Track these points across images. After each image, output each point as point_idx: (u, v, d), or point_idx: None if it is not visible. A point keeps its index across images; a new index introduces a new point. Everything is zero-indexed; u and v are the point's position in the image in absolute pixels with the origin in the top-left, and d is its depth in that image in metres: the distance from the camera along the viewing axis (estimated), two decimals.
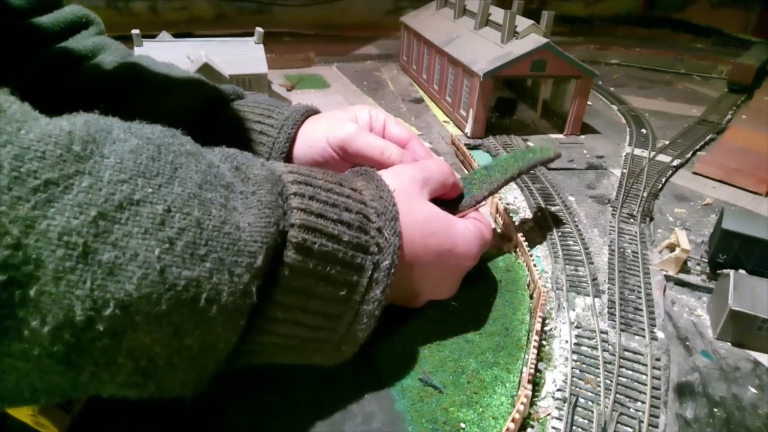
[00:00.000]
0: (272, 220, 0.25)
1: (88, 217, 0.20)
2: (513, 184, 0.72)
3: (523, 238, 0.52)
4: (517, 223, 0.58)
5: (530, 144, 0.85)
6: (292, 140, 0.44)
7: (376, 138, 0.43)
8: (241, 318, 0.25)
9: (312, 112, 0.47)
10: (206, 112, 0.46)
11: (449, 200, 0.43)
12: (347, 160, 0.44)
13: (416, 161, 0.43)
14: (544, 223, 0.62)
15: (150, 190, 0.22)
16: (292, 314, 0.28)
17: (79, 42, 0.46)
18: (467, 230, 0.39)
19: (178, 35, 0.98)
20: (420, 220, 0.35)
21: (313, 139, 0.44)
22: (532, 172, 0.75)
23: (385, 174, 0.36)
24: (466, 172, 0.74)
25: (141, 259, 0.21)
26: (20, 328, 0.19)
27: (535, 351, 0.39)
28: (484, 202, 0.45)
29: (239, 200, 0.26)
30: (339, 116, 0.46)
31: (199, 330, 0.23)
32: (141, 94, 0.44)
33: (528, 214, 0.65)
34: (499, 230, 0.59)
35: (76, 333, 0.20)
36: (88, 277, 0.20)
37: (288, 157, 0.44)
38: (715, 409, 0.39)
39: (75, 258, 0.20)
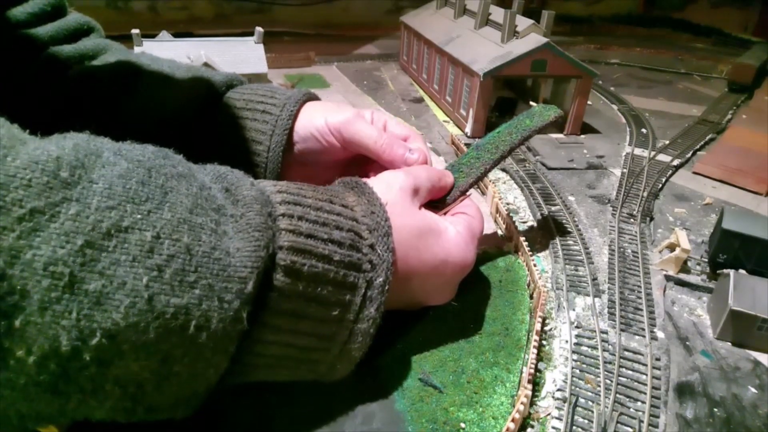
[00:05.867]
0: (262, 244, 0.25)
1: (75, 246, 0.20)
2: (513, 184, 0.72)
3: (523, 238, 0.52)
4: (517, 223, 0.58)
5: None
6: (293, 120, 0.44)
7: (372, 127, 0.43)
8: (231, 344, 0.25)
9: (313, 96, 0.47)
10: (210, 97, 0.46)
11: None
12: (344, 146, 0.44)
13: (410, 150, 0.43)
14: (543, 223, 0.62)
15: (139, 216, 0.22)
16: (283, 336, 0.28)
17: (81, 44, 0.46)
18: (459, 236, 0.38)
19: (178, 35, 0.98)
20: (413, 234, 0.35)
21: (314, 119, 0.44)
22: (532, 171, 0.75)
23: (376, 184, 0.36)
24: None
25: (129, 288, 0.21)
26: (6, 357, 0.19)
27: (535, 351, 0.39)
28: (470, 191, 0.44)
29: (229, 224, 0.25)
30: (339, 104, 0.46)
31: (189, 357, 0.23)
32: (145, 83, 0.45)
33: (528, 213, 0.65)
34: (499, 231, 0.59)
35: (62, 363, 0.20)
36: (75, 307, 0.20)
37: (289, 138, 0.44)
38: (715, 409, 0.39)
39: (61, 288, 0.19)
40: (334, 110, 0.44)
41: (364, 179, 0.36)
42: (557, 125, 0.92)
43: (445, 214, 0.42)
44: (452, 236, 0.38)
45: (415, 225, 0.36)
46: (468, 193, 0.44)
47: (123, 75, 0.44)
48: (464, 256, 0.38)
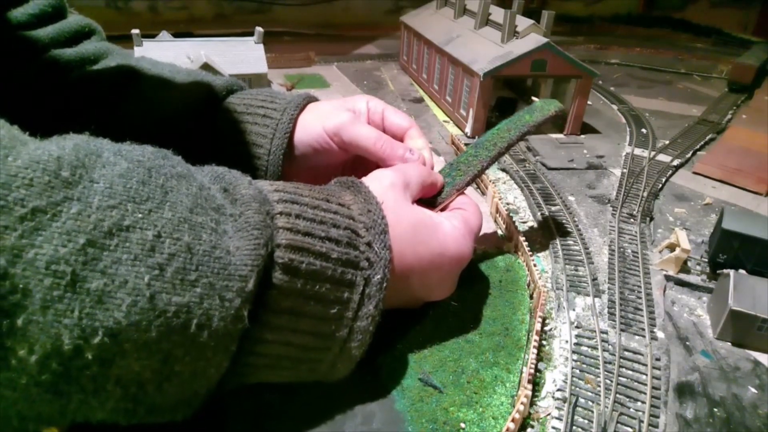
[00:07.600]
0: (261, 242, 0.25)
1: (77, 244, 0.20)
2: (513, 184, 0.72)
3: (523, 238, 0.52)
4: (517, 223, 0.58)
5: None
6: (294, 124, 0.44)
7: (371, 128, 0.43)
8: (232, 343, 0.25)
9: (313, 98, 0.47)
10: (210, 101, 0.46)
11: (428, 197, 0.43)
12: (343, 148, 0.44)
13: (410, 150, 0.43)
14: (543, 223, 0.62)
15: (140, 215, 0.22)
16: (283, 335, 0.28)
17: (83, 47, 0.46)
18: (455, 230, 0.38)
19: (178, 35, 0.98)
20: (408, 230, 0.35)
21: (310, 125, 0.44)
22: (532, 171, 0.75)
23: (367, 181, 0.36)
24: None
25: (130, 286, 0.21)
26: (7, 357, 0.19)
27: (535, 351, 0.39)
28: (465, 189, 0.44)
29: (229, 223, 0.26)
30: (336, 105, 0.46)
31: (190, 356, 0.23)
32: (145, 86, 0.45)
33: (528, 213, 0.65)
34: (499, 231, 0.59)
35: (64, 362, 0.20)
36: (77, 306, 0.20)
37: (290, 142, 0.44)
38: (715, 409, 0.39)
39: (63, 287, 0.19)
40: (331, 113, 0.44)
41: (360, 179, 0.37)
42: (557, 125, 0.92)
43: (441, 210, 0.42)
44: (448, 229, 0.38)
45: (409, 221, 0.36)
46: (462, 191, 0.44)
47: (123, 78, 0.45)
48: (460, 249, 0.38)
